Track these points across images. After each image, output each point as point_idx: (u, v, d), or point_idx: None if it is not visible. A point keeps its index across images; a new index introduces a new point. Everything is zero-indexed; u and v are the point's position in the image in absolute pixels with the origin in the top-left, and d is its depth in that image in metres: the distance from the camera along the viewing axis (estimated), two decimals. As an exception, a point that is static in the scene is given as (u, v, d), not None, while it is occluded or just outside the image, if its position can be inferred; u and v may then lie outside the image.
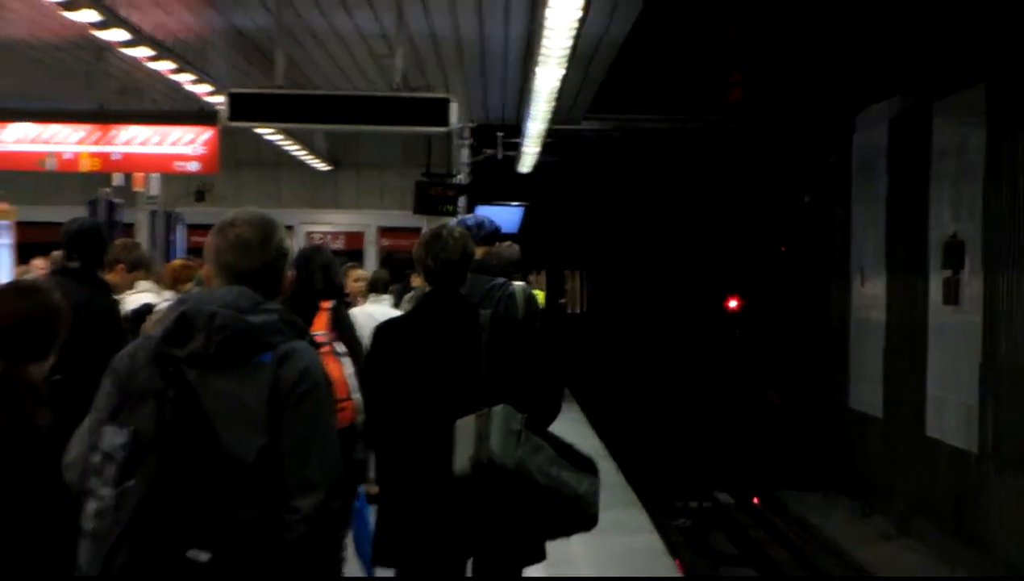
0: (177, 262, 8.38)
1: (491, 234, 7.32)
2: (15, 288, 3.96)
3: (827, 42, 12.90)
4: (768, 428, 19.50)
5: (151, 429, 2.96)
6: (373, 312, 7.74)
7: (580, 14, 8.44)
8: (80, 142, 11.78)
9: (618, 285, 23.34)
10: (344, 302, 7.22)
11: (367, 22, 10.15)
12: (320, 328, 5.79)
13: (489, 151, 17.51)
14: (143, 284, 7.10)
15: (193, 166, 12.22)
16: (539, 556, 5.19)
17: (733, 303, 22.87)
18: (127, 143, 11.90)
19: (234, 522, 2.99)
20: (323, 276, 6.53)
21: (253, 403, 2.96)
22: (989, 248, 12.49)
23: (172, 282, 7.34)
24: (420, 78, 11.71)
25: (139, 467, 2.93)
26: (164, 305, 5.12)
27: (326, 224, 17.82)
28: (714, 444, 19.50)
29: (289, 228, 6.14)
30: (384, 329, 5.27)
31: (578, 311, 28.74)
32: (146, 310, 5.90)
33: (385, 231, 17.62)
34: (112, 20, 9.13)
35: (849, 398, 17.15)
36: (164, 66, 10.84)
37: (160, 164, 12.78)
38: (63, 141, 11.92)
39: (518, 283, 6.94)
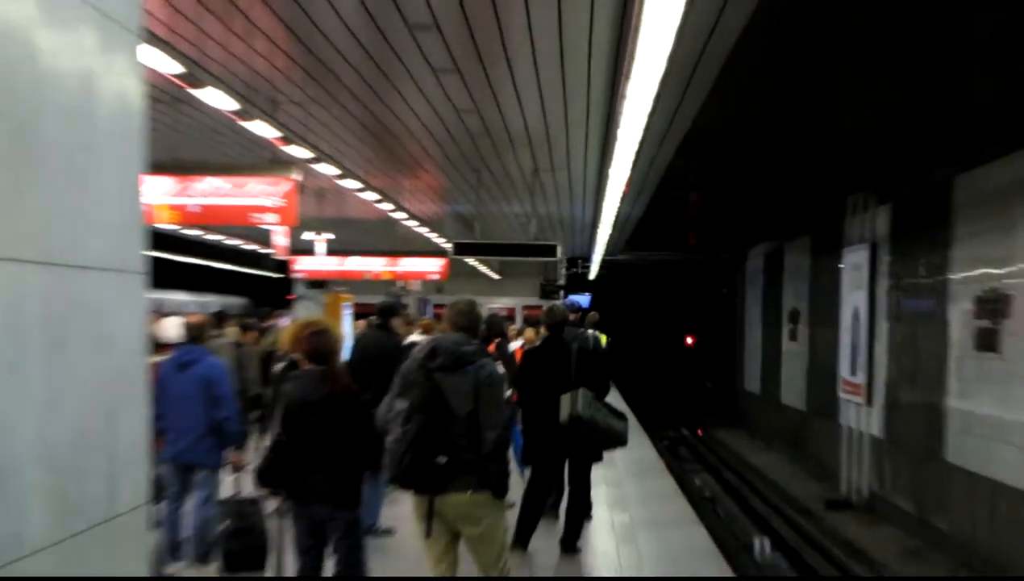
0: (425, 321, 10.85)
1: (574, 308, 12.23)
2: (326, 329, 5.54)
3: (734, 218, 21.43)
4: (706, 399, 33.81)
5: (418, 401, 4.65)
6: (515, 345, 10.86)
7: (618, 211, 14.92)
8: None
9: (636, 332, 34.68)
10: (505, 340, 9.81)
11: (519, 208, 16.48)
12: (492, 352, 7.32)
13: (574, 269, 28.65)
14: (414, 333, 9.56)
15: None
16: (599, 459, 7.62)
17: (689, 340, 39.08)
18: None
19: (456, 443, 4.69)
20: (496, 329, 9.00)
21: (465, 389, 4.61)
22: (810, 314, 20.64)
23: (424, 331, 9.42)
24: (542, 233, 18.37)
25: (413, 419, 4.69)
26: (422, 341, 6.36)
27: (498, 302, 27.17)
28: (680, 407, 31.82)
29: (480, 305, 6.46)
30: (528, 352, 8.07)
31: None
32: (413, 345, 7.04)
33: (526, 307, 28.13)
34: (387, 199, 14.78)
35: (744, 384, 28.40)
36: (412, 224, 17.62)
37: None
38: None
39: (591, 331, 10.53)
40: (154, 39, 6.29)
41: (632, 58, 6.15)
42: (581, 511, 7.90)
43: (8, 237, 1.91)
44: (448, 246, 17.68)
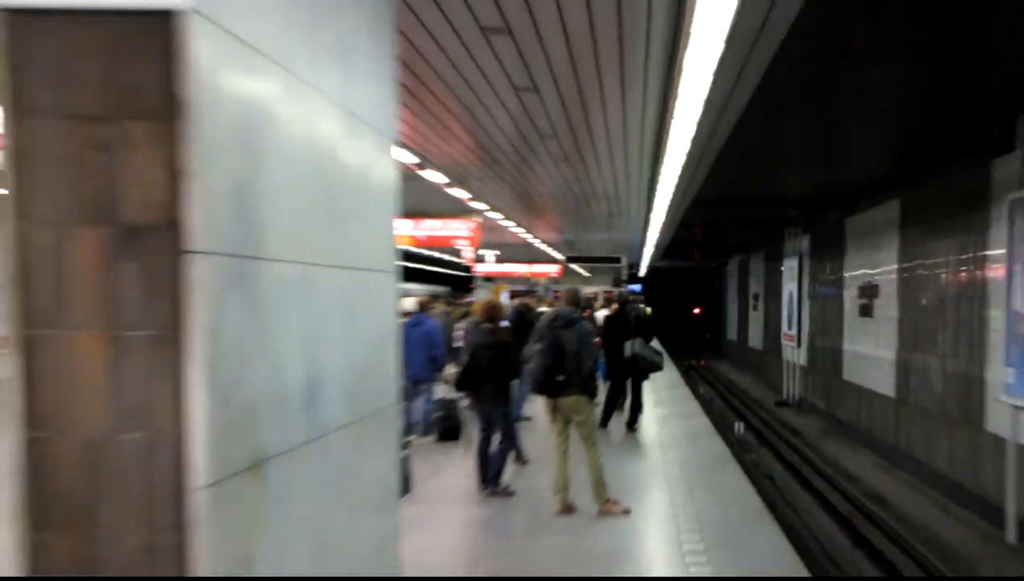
0: (548, 300, 21.56)
1: (635, 294, 19.94)
2: (496, 304, 9.48)
3: (719, 242, 37.17)
4: (705, 344, 53.48)
5: (546, 345, 8.00)
6: (603, 313, 17.25)
7: (656, 239, 24.15)
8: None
9: (667, 306, 52.90)
10: (592, 310, 17.32)
11: (601, 235, 25.53)
12: (586, 317, 10.75)
13: (631, 270, 40.58)
14: (542, 306, 16.18)
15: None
16: (646, 378, 13.36)
17: (696, 310, 61.40)
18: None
19: (568, 369, 7.90)
20: (586, 304, 15.10)
21: (573, 338, 7.97)
22: (764, 295, 33.63)
23: (548, 306, 16.44)
24: (613, 249, 31.51)
25: (543, 355, 8.04)
26: (548, 311, 10.27)
27: (588, 289, 35.13)
28: (691, 348, 49.35)
29: (580, 290, 9.65)
30: (607, 318, 14.17)
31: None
32: (542, 314, 11.12)
33: (605, 291, 36.82)
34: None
35: (727, 335, 47.07)
36: (541, 245, 26.36)
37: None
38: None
39: (641, 306, 15.38)
40: (401, 143, 9.18)
41: (665, 150, 11.08)
42: (637, 407, 13.35)
43: (332, 254, 3.35)
44: (560, 257, 33.46)
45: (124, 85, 2.40)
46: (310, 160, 3.23)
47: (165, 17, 2.36)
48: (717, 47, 6.65)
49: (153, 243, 2.42)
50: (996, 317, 11.41)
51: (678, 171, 12.64)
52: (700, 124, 9.45)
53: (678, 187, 14.41)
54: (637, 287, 45.51)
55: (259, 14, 2.82)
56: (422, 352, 11.08)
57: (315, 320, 3.22)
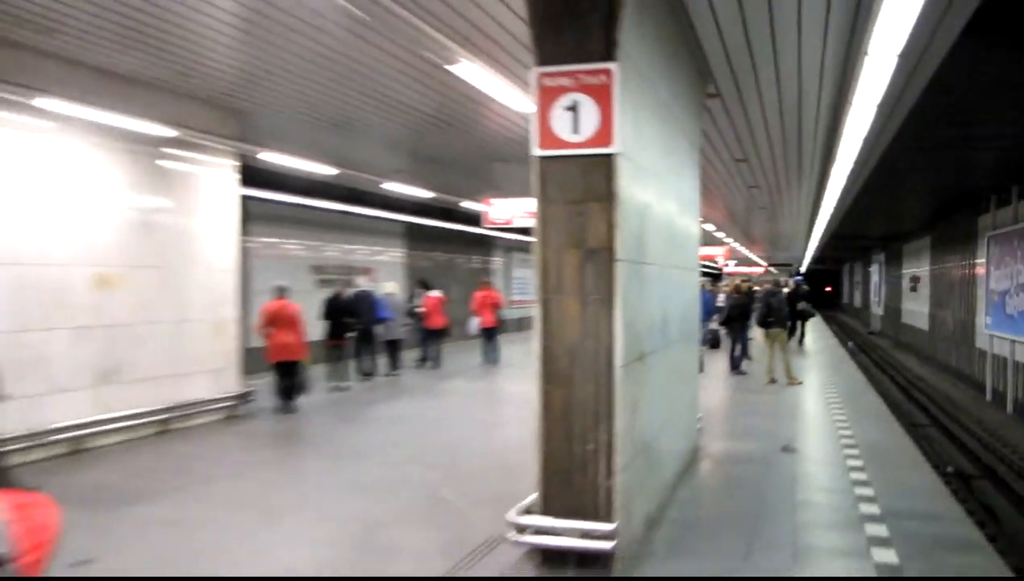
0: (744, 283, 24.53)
1: (800, 283, 23.89)
2: (738, 285, 19.63)
3: (839, 255, 50.09)
4: (832, 306, 77.44)
5: (763, 304, 15.74)
6: (785, 290, 20.78)
7: (812, 253, 29.23)
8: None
9: (818, 289, 60.33)
10: (780, 290, 20.18)
11: (789, 255, 27.11)
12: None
13: (798, 269, 44.97)
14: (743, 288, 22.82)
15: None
16: (807, 320, 24.27)
17: (828, 288, 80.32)
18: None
19: (773, 315, 15.49)
20: (777, 285, 19.13)
21: (775, 302, 15.73)
22: (863, 281, 55.24)
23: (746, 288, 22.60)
24: (790, 260, 37.03)
25: (762, 308, 15.67)
26: (761, 290, 20.48)
27: (780, 278, 37.91)
28: (825, 308, 63.42)
29: (778, 279, 21.47)
30: (789, 292, 21.29)
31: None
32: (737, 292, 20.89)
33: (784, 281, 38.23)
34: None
35: (843, 301, 77.01)
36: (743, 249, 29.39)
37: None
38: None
39: (805, 288, 24.44)
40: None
41: (819, 205, 16.60)
42: (803, 335, 23.49)
43: (672, 261, 7.23)
44: (764, 263, 52.15)
45: (589, 186, 5.24)
46: (665, 220, 6.23)
47: (609, 156, 5.12)
48: (852, 154, 11.52)
49: (600, 257, 5.22)
50: (979, 292, 20.30)
51: (826, 218, 22.72)
52: (842, 192, 16.48)
53: (825, 229, 26.92)
54: (801, 278, 56.31)
55: (645, 152, 5.78)
56: (704, 310, 16.08)
57: (665, 291, 6.23)
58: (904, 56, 6.06)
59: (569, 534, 5.33)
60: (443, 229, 23.95)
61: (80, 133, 9.53)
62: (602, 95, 5.06)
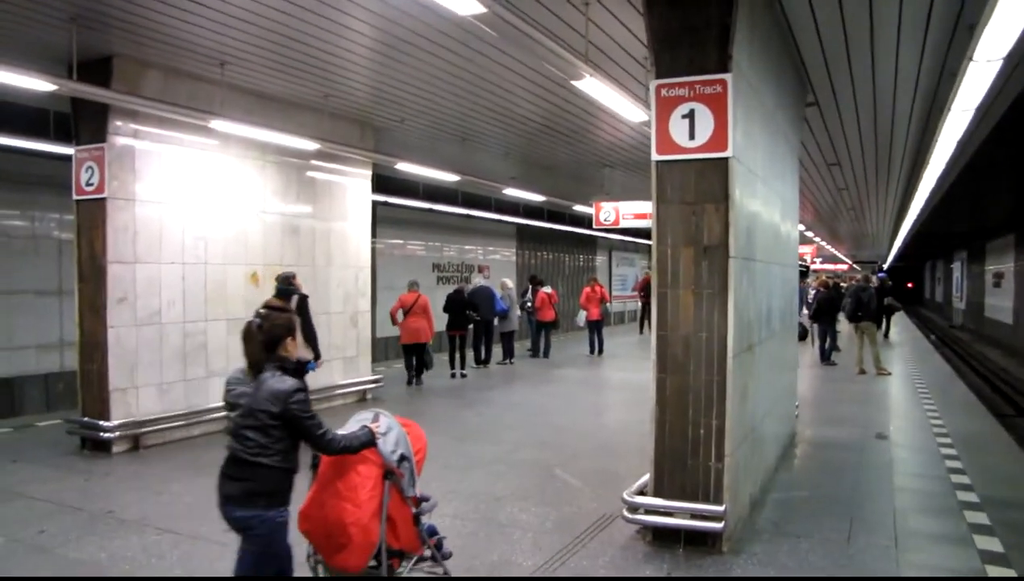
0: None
1: (885, 280, 21.64)
2: (824, 281, 19.21)
3: (919, 253, 48.55)
4: (915, 301, 70.75)
5: (852, 299, 15.21)
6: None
7: (896, 251, 28.28)
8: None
9: (899, 285, 56.11)
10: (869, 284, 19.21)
11: (872, 253, 27.30)
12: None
13: (882, 266, 43.06)
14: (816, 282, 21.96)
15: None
16: (893, 314, 23.04)
17: (910, 285, 74.82)
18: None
19: (863, 308, 14.87)
20: (866, 280, 18.21)
21: (864, 296, 14.91)
22: (944, 278, 52.26)
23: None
24: (875, 258, 36.34)
25: (850, 303, 15.20)
26: (851, 284, 18.60)
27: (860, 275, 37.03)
28: (908, 303, 53.48)
29: (868, 275, 20.89)
30: (876, 287, 17.28)
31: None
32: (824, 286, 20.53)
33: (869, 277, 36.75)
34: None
35: (925, 297, 69.43)
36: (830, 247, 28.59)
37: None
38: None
39: (889, 284, 21.92)
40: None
41: (908, 207, 15.79)
42: (888, 327, 22.43)
43: (775, 257, 7.97)
44: (848, 260, 50.43)
45: (704, 188, 5.17)
46: (770, 219, 6.15)
47: (723, 160, 5.03)
48: (944, 156, 10.45)
49: (715, 253, 5.14)
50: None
51: (911, 218, 20.88)
52: (931, 193, 15.43)
53: (909, 228, 25.35)
54: (884, 274, 56.55)
55: (753, 156, 5.69)
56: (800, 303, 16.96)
57: (769, 285, 6.17)
58: (1008, 57, 5.75)
59: (680, 514, 5.28)
60: (551, 230, 24.00)
61: (237, 149, 9.89)
62: (717, 104, 4.97)
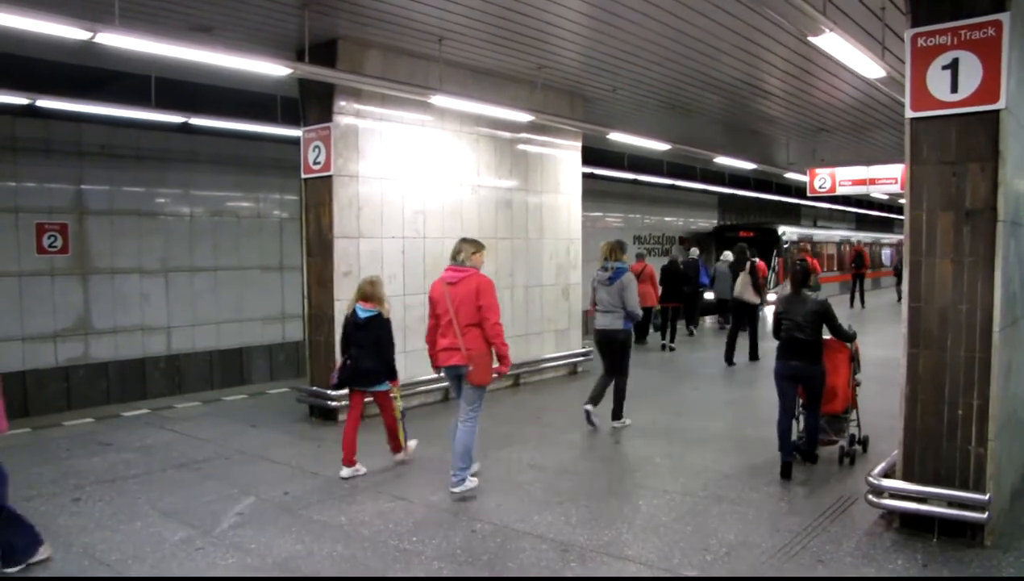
0: None
1: None
2: None
3: None
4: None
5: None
6: None
7: None
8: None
9: None
10: None
11: None
12: None
13: None
14: None
15: None
16: None
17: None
18: None
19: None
20: None
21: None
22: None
23: None
24: None
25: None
26: None
27: None
28: None
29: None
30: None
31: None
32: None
33: None
34: None
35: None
36: None
37: None
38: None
39: None
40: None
41: None
42: None
43: None
44: None
45: (967, 146, 4.67)
46: None
47: (992, 113, 4.57)
48: None
49: (980, 218, 4.68)
50: None
51: None
52: None
53: None
54: None
55: None
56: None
57: None
58: None
59: (935, 501, 4.88)
60: (756, 198, 23.07)
61: (452, 124, 10.13)
62: (988, 49, 4.46)
